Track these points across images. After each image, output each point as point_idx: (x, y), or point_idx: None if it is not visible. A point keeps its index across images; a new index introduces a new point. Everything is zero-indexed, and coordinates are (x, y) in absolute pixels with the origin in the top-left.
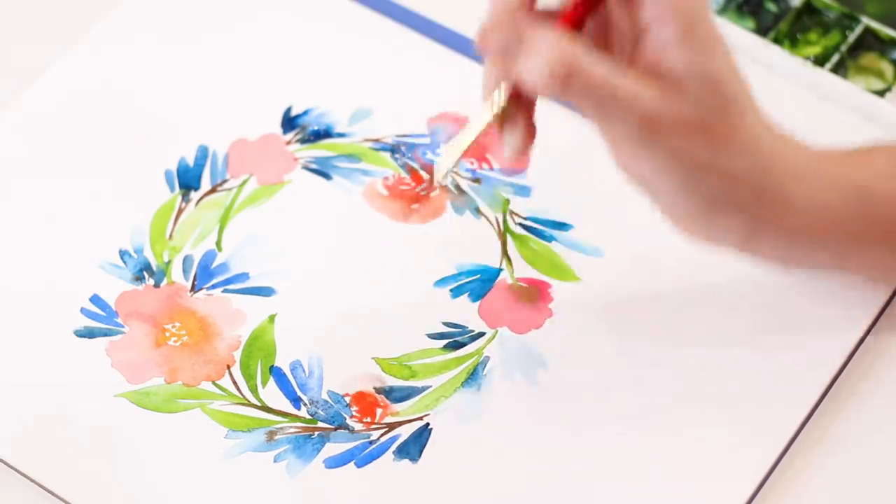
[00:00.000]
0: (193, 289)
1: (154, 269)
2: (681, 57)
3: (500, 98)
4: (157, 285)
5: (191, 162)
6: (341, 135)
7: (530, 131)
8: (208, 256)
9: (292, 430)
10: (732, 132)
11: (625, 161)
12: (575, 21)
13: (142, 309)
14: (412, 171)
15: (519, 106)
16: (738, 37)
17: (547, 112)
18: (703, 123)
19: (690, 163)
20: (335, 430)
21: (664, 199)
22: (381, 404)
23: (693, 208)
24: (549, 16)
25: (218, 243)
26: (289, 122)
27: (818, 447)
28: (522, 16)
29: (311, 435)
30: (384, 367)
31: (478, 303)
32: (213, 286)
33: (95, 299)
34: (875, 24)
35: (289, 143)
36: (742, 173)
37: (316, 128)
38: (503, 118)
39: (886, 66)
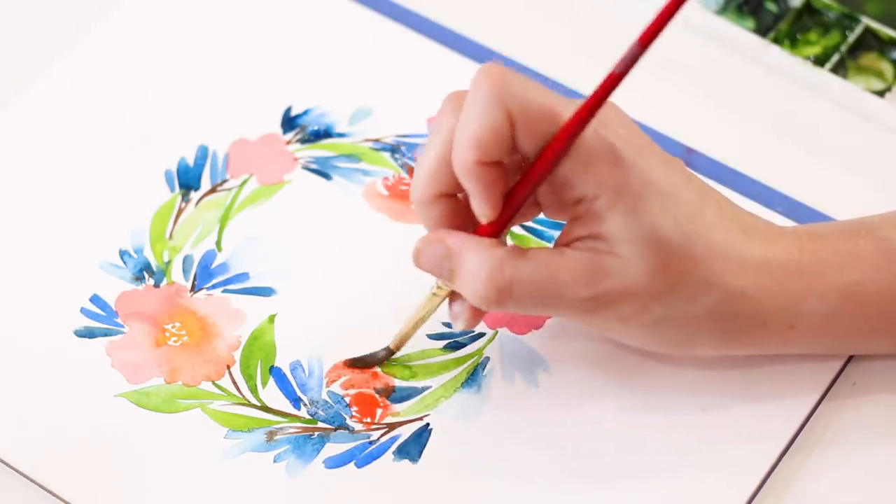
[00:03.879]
0: (193, 289)
1: (154, 269)
2: (613, 225)
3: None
4: (157, 285)
5: (191, 162)
6: (341, 135)
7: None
8: (208, 256)
9: (292, 430)
10: (683, 279)
11: (583, 325)
12: (501, 224)
13: (142, 309)
14: (412, 171)
15: None
16: (738, 37)
17: None
18: (646, 284)
19: (643, 321)
20: (335, 430)
21: (635, 345)
22: (381, 404)
23: (663, 349)
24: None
25: (218, 243)
26: (289, 122)
27: (817, 447)
28: (448, 235)
29: (311, 435)
30: (384, 368)
31: None
32: (213, 286)
33: (95, 299)
34: (875, 24)
35: (289, 143)
36: (705, 313)
37: (316, 128)
38: (452, 294)
39: (886, 66)
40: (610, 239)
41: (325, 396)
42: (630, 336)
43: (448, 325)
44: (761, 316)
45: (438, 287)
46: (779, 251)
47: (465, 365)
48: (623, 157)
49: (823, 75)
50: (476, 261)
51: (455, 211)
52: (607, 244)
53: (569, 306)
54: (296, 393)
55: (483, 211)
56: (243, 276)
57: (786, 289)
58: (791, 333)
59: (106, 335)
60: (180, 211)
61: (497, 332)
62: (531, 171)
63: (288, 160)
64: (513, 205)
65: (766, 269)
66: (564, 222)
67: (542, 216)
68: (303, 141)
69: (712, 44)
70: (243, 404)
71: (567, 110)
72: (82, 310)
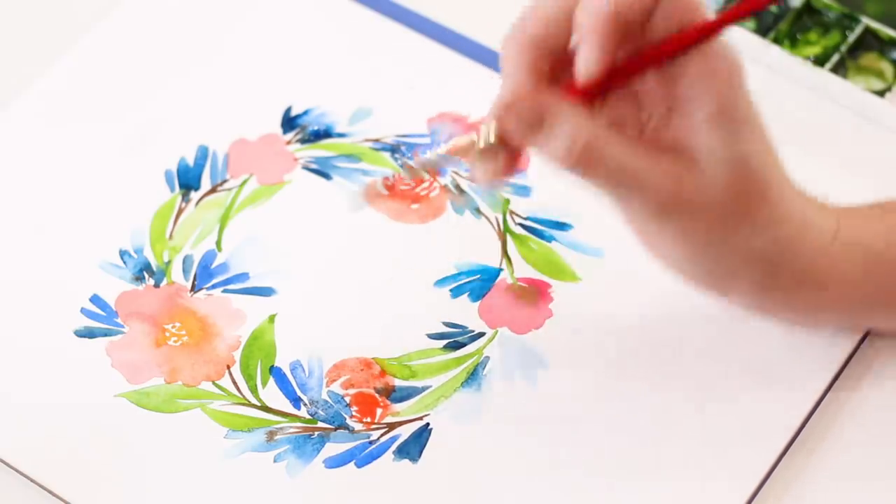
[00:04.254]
0: (193, 289)
1: (154, 269)
2: (709, 139)
3: (489, 133)
4: (157, 285)
5: (191, 162)
6: (341, 135)
7: (509, 166)
8: (208, 256)
9: (292, 430)
10: (753, 212)
11: (636, 228)
12: (595, 93)
13: (142, 309)
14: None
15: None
16: (738, 37)
17: None
18: (721, 205)
19: (703, 241)
20: (335, 430)
21: (674, 267)
22: (381, 404)
23: (704, 279)
24: (567, 85)
25: (218, 243)
26: (289, 122)
27: (817, 448)
28: (541, 91)
29: (311, 435)
30: (384, 367)
31: (478, 303)
32: (213, 286)
33: (95, 299)
34: (875, 24)
35: (289, 143)
36: (758, 252)
37: (316, 128)
38: (484, 151)
39: (886, 66)
40: (699, 150)
41: (325, 396)
42: (677, 257)
43: (448, 324)
44: (799, 271)
45: (485, 141)
46: (822, 217)
47: (465, 365)
48: (741, 81)
49: (823, 75)
50: (573, 120)
51: (541, 69)
52: (693, 154)
53: (643, 198)
54: (296, 393)
55: (594, 60)
56: (243, 276)
57: (824, 252)
58: (819, 296)
59: (106, 335)
60: (180, 211)
61: (497, 332)
62: (661, 46)
63: (288, 160)
64: (621, 73)
65: (814, 229)
66: (567, 221)
67: (540, 214)
68: (303, 141)
69: None
70: (243, 404)
71: (704, 11)
72: (82, 310)
